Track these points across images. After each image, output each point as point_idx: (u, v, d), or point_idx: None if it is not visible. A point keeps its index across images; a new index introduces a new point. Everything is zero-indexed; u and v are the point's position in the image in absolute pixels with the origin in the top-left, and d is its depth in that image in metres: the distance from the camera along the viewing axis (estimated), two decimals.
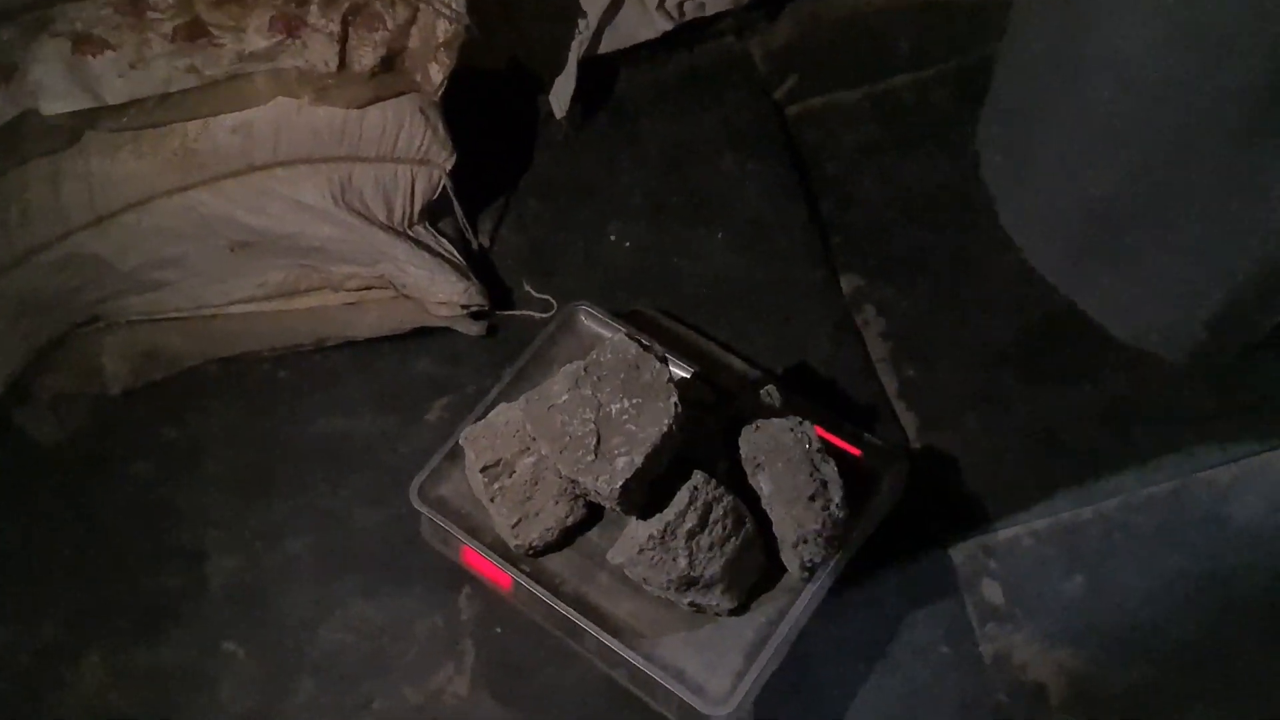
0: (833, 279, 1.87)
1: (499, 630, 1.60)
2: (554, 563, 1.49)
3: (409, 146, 1.77)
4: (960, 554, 1.59)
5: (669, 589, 1.37)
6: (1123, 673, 1.48)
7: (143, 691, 1.62)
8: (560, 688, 1.55)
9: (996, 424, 1.69)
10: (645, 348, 1.41)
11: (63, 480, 1.82)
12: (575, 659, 1.54)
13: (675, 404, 1.34)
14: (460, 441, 1.49)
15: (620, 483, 1.29)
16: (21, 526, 1.79)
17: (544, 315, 1.89)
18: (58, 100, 1.57)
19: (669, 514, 1.34)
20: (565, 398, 1.37)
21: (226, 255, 1.75)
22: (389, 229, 1.78)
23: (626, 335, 1.41)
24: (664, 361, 1.38)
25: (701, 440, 1.45)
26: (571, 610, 1.42)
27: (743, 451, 1.41)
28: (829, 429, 1.56)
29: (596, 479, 1.30)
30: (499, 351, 1.87)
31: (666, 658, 1.40)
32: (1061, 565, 1.57)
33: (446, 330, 1.87)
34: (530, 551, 1.47)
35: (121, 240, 1.70)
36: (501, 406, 1.51)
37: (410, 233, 1.82)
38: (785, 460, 1.39)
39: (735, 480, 1.43)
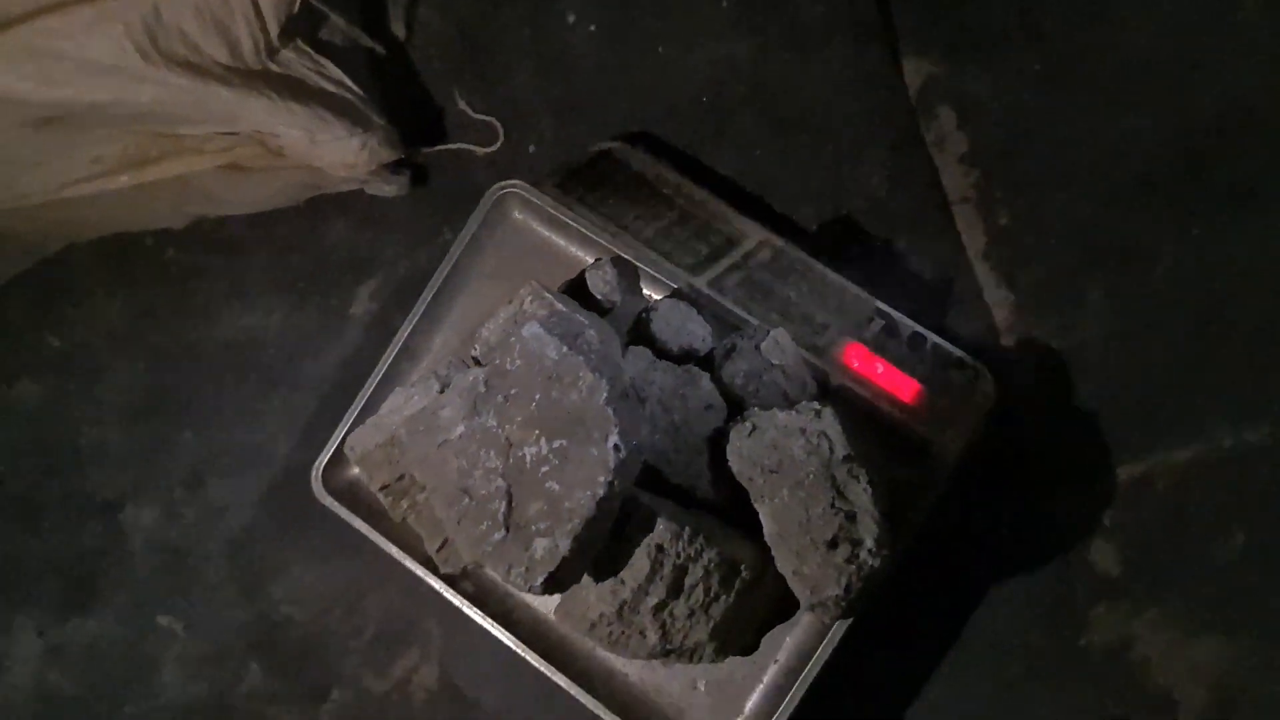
0: (891, 64, 1.26)
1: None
2: None
3: None
4: (1065, 501, 1.15)
5: (639, 659, 1.00)
6: None
7: (82, 669, 1.41)
8: (545, 686, 1.24)
9: (1130, 295, 1.16)
10: (575, 338, 0.93)
11: None
12: None
13: (616, 447, 0.88)
14: (346, 452, 1.07)
15: (539, 579, 0.88)
16: None
17: (486, 149, 1.36)
18: None
19: (625, 588, 0.94)
20: (461, 430, 0.92)
21: (32, 135, 1.26)
22: (236, 72, 1.24)
23: (544, 325, 0.93)
24: (598, 371, 0.90)
25: (676, 433, 1.00)
26: (524, 647, 1.08)
27: (734, 467, 0.96)
28: (876, 341, 1.09)
29: (508, 569, 0.89)
30: (433, 205, 1.39)
31: (654, 711, 1.07)
32: (1212, 517, 1.11)
33: None
34: (463, 573, 1.10)
35: None
36: (395, 396, 1.07)
37: (274, 65, 1.27)
38: (793, 484, 0.94)
39: (729, 490, 0.99)
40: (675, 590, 0.94)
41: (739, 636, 1.02)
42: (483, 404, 0.92)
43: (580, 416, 0.90)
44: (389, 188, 1.34)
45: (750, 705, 1.05)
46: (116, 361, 1.45)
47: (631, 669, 1.08)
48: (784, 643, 1.05)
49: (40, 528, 1.44)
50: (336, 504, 1.15)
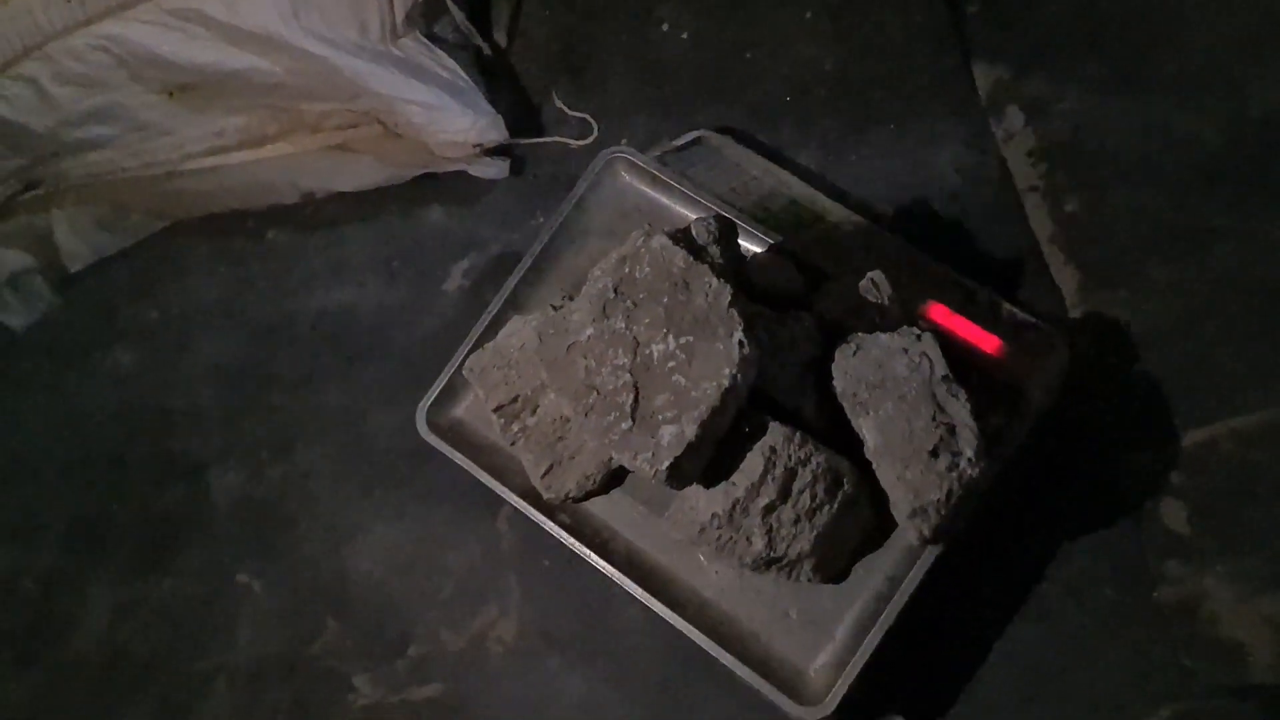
0: (964, 70, 1.37)
1: (547, 564, 1.32)
2: (600, 507, 1.18)
3: None
4: (1133, 464, 1.21)
5: (743, 569, 1.05)
6: None
7: (155, 627, 1.43)
8: (626, 637, 1.27)
9: (1192, 274, 1.24)
10: (701, 248, 1.01)
11: (39, 372, 1.57)
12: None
13: (740, 343, 0.95)
14: (465, 373, 1.14)
15: (666, 463, 0.94)
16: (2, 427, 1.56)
17: (581, 142, 1.46)
18: None
19: (738, 488, 0.99)
20: (590, 332, 0.99)
21: (165, 101, 1.37)
22: (365, 51, 1.35)
23: (671, 237, 1.00)
24: (723, 277, 0.98)
25: (782, 357, 1.06)
26: (621, 574, 1.12)
27: (838, 385, 1.03)
28: (956, 304, 1.16)
29: (635, 455, 0.95)
30: (528, 193, 1.48)
31: (746, 636, 1.10)
32: (1277, 478, 1.17)
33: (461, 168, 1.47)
34: (567, 501, 1.15)
35: (23, 96, 1.32)
36: (514, 323, 1.14)
37: (396, 50, 1.38)
38: (896, 398, 1.00)
39: (830, 415, 1.06)
40: (784, 494, 1.00)
41: (835, 558, 1.07)
42: (612, 308, 0.99)
43: (706, 317, 0.97)
44: (491, 169, 1.43)
45: (840, 632, 1.08)
46: (211, 330, 1.52)
47: (724, 599, 1.12)
48: (875, 570, 1.09)
49: (123, 489, 1.48)
50: (440, 441, 1.20)
